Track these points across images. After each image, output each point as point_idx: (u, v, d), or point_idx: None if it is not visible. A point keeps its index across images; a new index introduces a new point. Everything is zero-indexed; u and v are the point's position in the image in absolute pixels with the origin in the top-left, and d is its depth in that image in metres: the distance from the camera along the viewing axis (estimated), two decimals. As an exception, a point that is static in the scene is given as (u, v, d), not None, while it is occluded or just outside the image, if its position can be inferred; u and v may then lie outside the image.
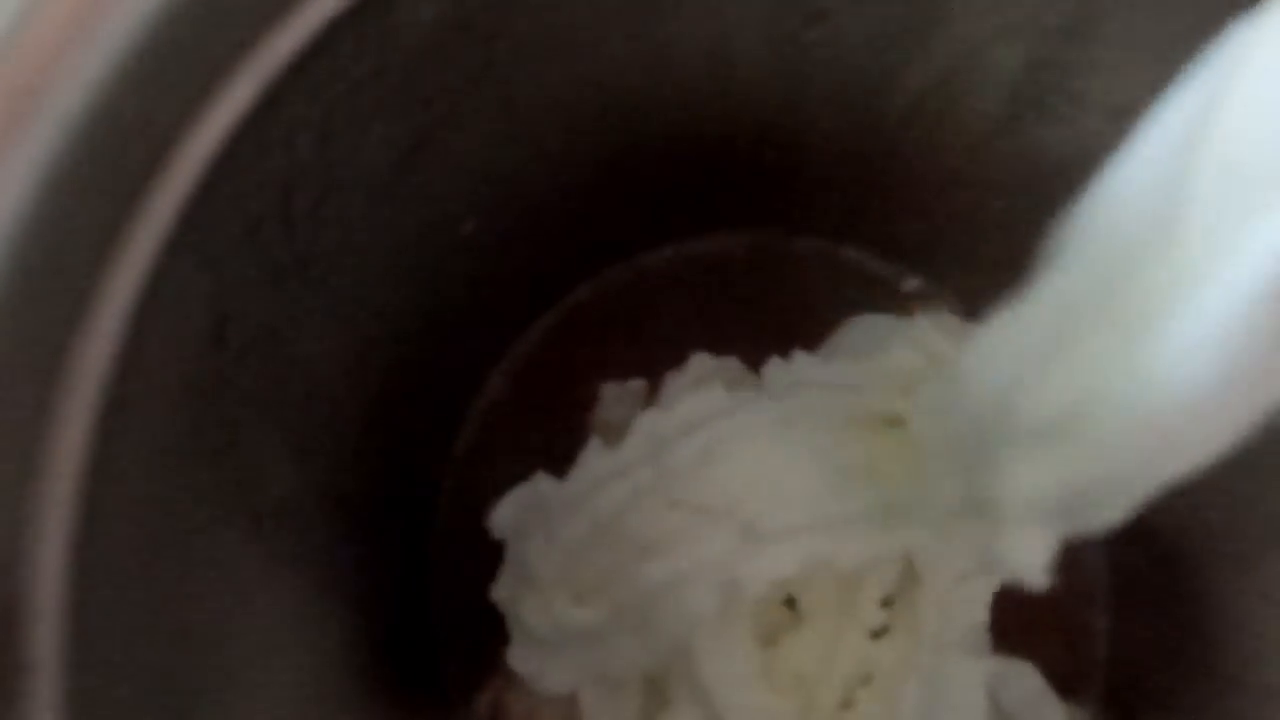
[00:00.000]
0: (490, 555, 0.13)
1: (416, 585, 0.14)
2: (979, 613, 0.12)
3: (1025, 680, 0.13)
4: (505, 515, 0.12)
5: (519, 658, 0.12)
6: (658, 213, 0.14)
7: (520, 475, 0.13)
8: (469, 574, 0.13)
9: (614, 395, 0.14)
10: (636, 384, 0.14)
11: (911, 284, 0.15)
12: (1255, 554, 0.12)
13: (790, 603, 0.13)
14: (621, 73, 0.11)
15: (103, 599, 0.07)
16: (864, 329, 0.13)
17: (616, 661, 0.11)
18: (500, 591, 0.13)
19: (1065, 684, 0.13)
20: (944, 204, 0.13)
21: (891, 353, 0.12)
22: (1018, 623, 0.13)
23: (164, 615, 0.08)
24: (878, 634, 0.13)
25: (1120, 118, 0.09)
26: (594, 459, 0.12)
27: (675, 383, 0.13)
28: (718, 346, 0.14)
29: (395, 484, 0.13)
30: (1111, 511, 0.09)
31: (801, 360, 0.13)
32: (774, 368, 0.13)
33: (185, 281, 0.07)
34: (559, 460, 0.13)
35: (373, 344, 0.11)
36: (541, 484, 0.12)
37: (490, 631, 0.13)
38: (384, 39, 0.08)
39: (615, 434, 0.13)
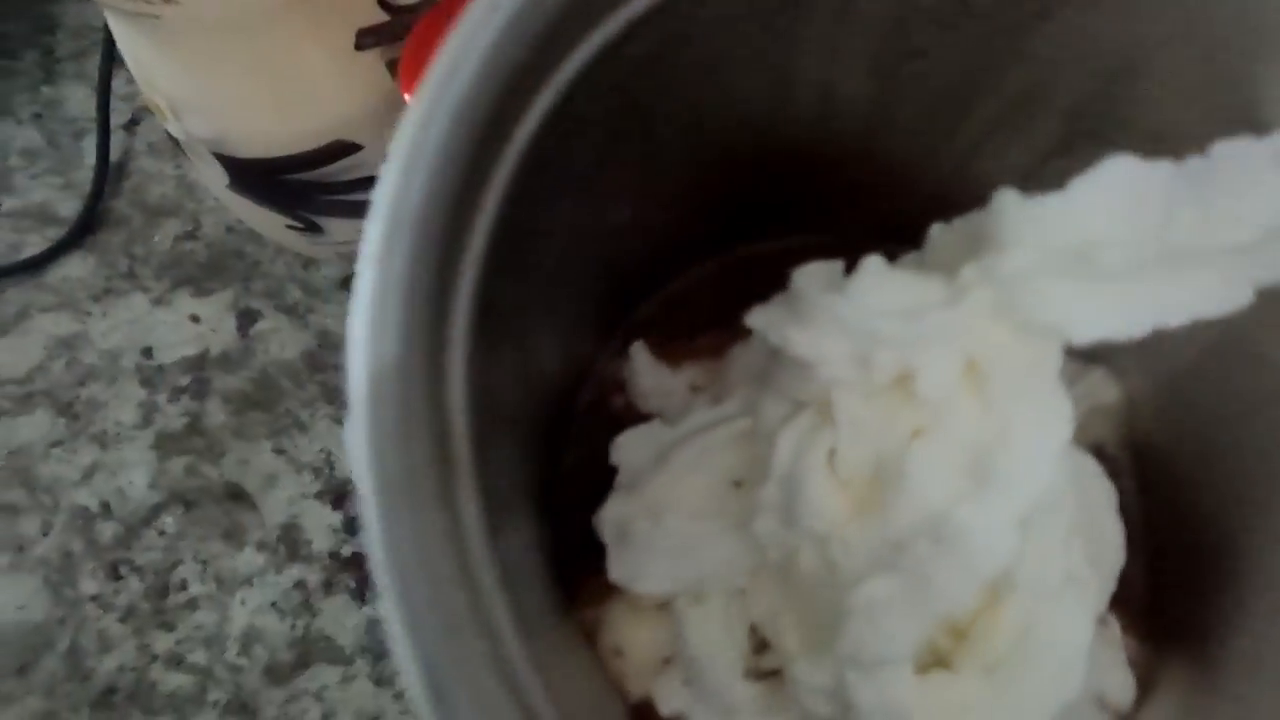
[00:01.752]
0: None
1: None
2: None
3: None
4: (626, 444, 0.15)
5: (619, 565, 0.15)
6: (761, 212, 0.17)
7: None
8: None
9: (739, 353, 0.17)
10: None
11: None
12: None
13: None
14: (748, 100, 0.14)
15: (482, 418, 0.10)
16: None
17: (715, 561, 0.14)
18: (609, 513, 0.15)
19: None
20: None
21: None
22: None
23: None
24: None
25: (1159, 141, 0.13)
26: (702, 411, 0.15)
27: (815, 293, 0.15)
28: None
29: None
30: None
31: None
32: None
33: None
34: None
35: (566, 296, 0.14)
36: (656, 427, 0.15)
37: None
38: (588, 86, 0.11)
39: (720, 391, 0.16)
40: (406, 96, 0.22)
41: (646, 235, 0.15)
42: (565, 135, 0.11)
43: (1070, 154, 0.14)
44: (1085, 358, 0.16)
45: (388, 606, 0.08)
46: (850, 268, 0.15)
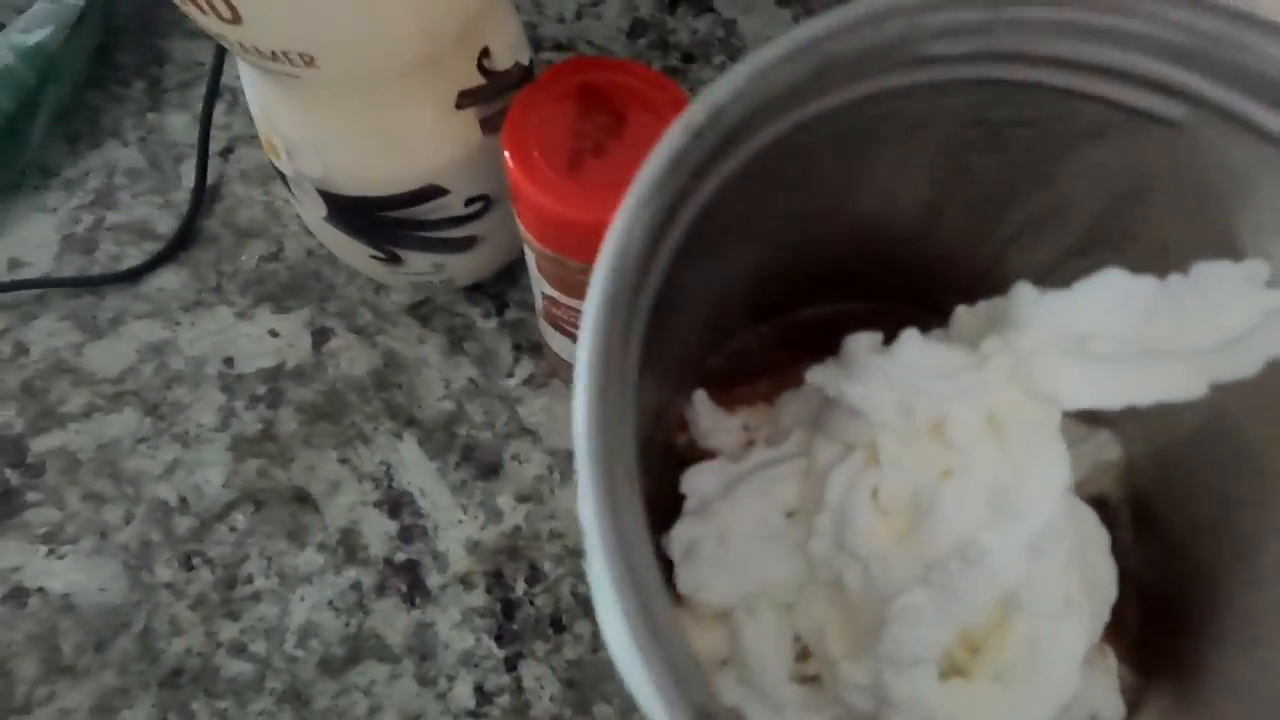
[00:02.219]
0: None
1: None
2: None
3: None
4: (695, 476, 0.18)
5: (687, 578, 0.18)
6: (819, 282, 0.20)
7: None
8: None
9: (788, 400, 0.20)
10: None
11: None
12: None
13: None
14: (829, 197, 0.17)
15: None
16: None
17: (770, 577, 0.17)
18: (679, 534, 0.18)
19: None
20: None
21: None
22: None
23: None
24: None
25: (1162, 254, 0.16)
26: (762, 450, 0.18)
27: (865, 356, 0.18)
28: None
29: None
30: None
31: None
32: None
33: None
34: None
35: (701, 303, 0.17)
36: (722, 463, 0.18)
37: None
38: (734, 183, 0.14)
39: (773, 433, 0.19)
40: (506, 153, 0.25)
41: (736, 299, 0.19)
42: (702, 227, 0.14)
43: (1086, 256, 0.18)
44: (1093, 421, 0.19)
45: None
46: (884, 332, 0.18)
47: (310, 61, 0.24)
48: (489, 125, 0.30)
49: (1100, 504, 0.19)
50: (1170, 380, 0.15)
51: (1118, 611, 0.19)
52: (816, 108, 0.14)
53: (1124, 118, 0.15)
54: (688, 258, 0.13)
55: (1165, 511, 0.19)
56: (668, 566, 0.18)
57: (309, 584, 0.35)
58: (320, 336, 0.39)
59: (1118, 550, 0.19)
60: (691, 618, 0.18)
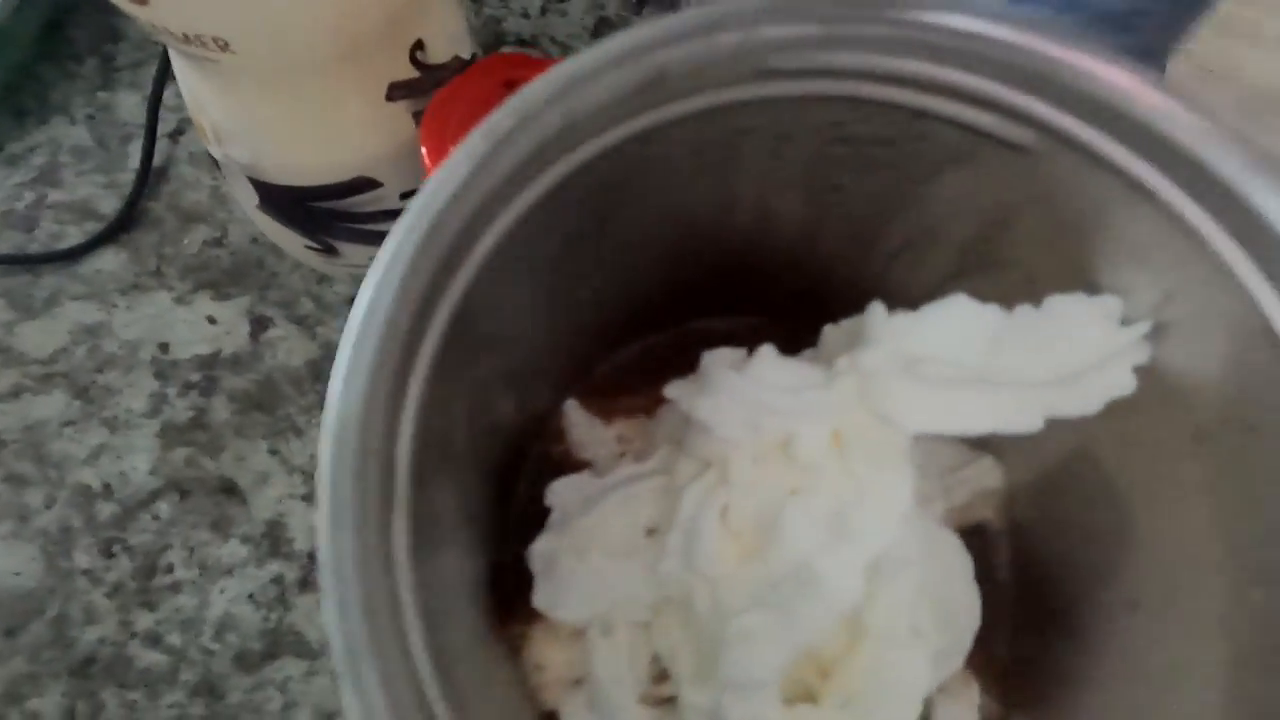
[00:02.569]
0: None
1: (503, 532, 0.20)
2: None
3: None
4: (560, 490, 0.18)
5: (543, 593, 0.18)
6: (702, 300, 0.20)
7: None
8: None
9: (665, 414, 0.20)
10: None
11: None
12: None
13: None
14: (699, 212, 0.17)
15: (428, 459, 0.13)
16: None
17: (625, 594, 0.17)
18: (539, 548, 0.18)
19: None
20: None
21: None
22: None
23: (440, 485, 0.14)
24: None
25: (1033, 281, 0.16)
26: (627, 466, 0.18)
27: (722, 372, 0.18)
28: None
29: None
30: None
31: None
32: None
33: (450, 321, 0.13)
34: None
35: (526, 356, 0.17)
36: (586, 477, 0.18)
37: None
38: (561, 194, 0.14)
39: (646, 448, 0.19)
40: (424, 150, 0.25)
41: (605, 310, 0.18)
42: (528, 238, 0.14)
43: (962, 280, 0.17)
44: (978, 446, 0.19)
45: (325, 598, 0.11)
46: (781, 345, 0.18)
47: (225, 46, 0.24)
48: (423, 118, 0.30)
49: (980, 531, 0.19)
50: (1005, 412, 0.15)
51: (987, 641, 0.19)
52: (655, 118, 0.14)
53: (981, 143, 0.15)
54: (506, 271, 0.13)
55: (1040, 542, 0.19)
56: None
57: (230, 576, 0.35)
58: (259, 325, 0.39)
59: (994, 579, 0.19)
60: (549, 634, 0.18)
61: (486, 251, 0.13)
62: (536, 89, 0.12)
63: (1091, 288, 0.15)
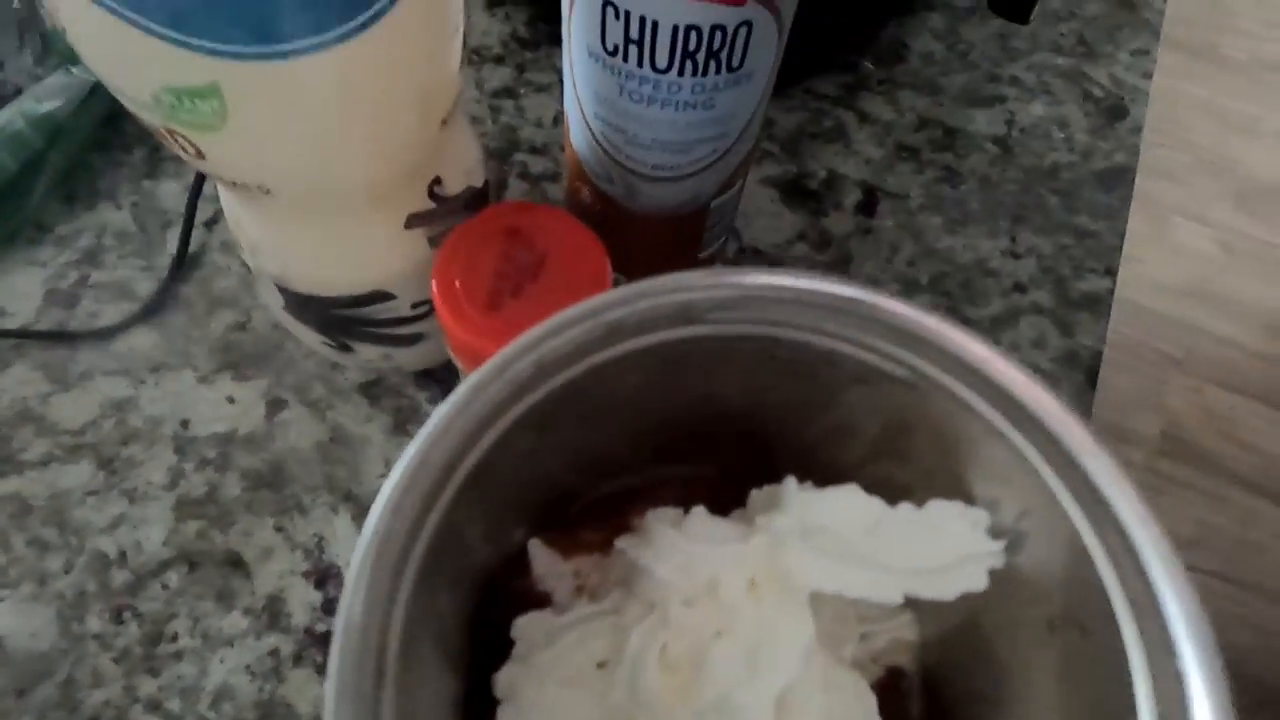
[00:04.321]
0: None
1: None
2: None
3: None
4: (524, 626, 0.22)
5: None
6: (662, 455, 0.24)
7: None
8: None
9: (595, 564, 0.23)
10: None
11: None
12: None
13: None
14: (656, 399, 0.21)
15: (411, 644, 0.16)
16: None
17: (580, 718, 0.20)
18: (503, 676, 0.22)
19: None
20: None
21: None
22: None
23: (422, 645, 0.17)
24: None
25: (930, 475, 0.19)
26: (583, 606, 0.22)
27: (662, 530, 0.22)
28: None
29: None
30: None
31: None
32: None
33: (439, 527, 0.17)
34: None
35: (502, 516, 0.21)
36: (548, 614, 0.22)
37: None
38: (532, 414, 0.18)
39: (600, 584, 0.22)
40: (433, 283, 0.30)
41: (574, 474, 0.22)
42: (505, 447, 0.18)
43: (878, 463, 0.21)
44: (907, 603, 0.23)
45: None
46: (733, 491, 0.22)
47: (266, 191, 0.28)
48: (437, 241, 0.34)
49: (896, 674, 0.23)
50: (872, 585, 0.19)
51: (898, 775, 0.22)
52: (613, 353, 0.18)
53: (877, 373, 0.19)
54: (486, 479, 0.17)
55: (946, 686, 0.22)
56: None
57: (230, 647, 0.38)
58: (274, 407, 0.43)
59: (906, 716, 0.22)
60: None
61: (468, 470, 0.17)
62: (513, 349, 0.17)
63: (971, 490, 0.19)
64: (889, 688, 0.22)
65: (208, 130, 0.25)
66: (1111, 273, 0.51)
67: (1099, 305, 0.49)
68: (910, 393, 0.19)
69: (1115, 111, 0.55)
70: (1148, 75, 0.58)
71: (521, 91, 0.51)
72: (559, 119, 0.50)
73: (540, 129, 0.50)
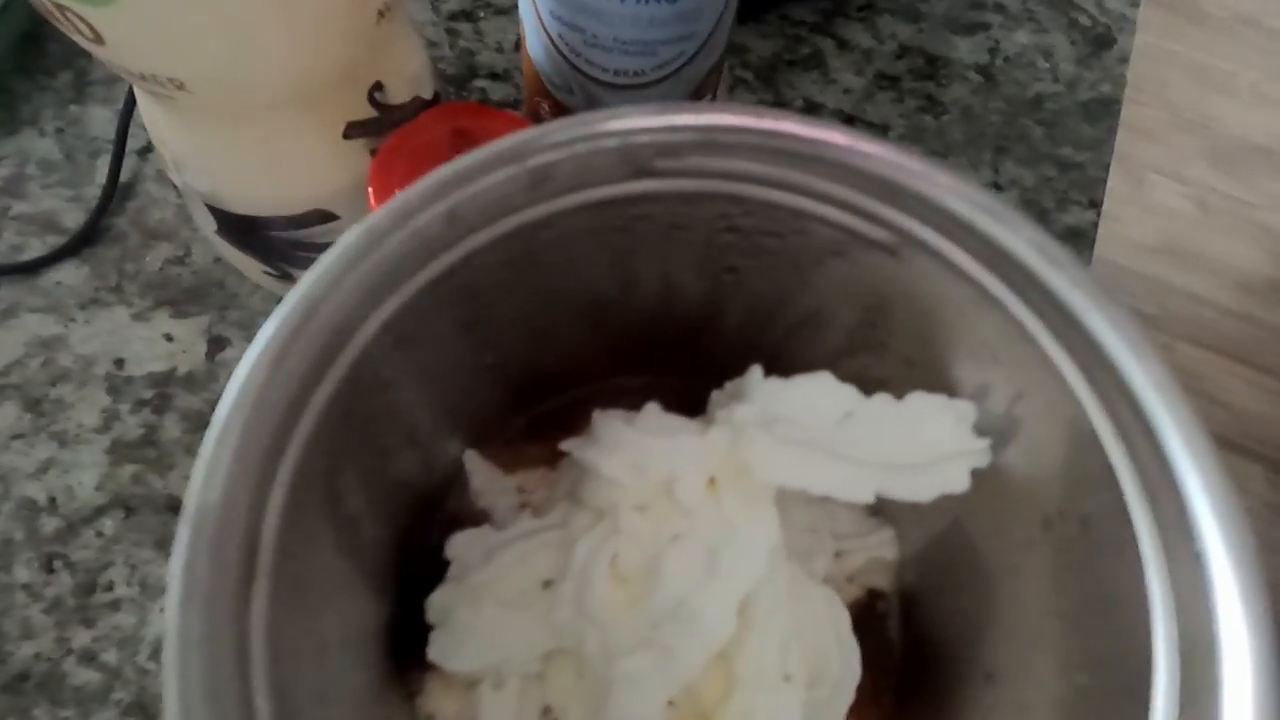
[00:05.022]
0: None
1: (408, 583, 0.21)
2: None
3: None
4: (459, 543, 0.20)
5: (437, 645, 0.19)
6: (616, 360, 0.21)
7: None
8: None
9: (541, 479, 0.21)
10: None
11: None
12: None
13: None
14: (604, 286, 0.18)
15: (296, 535, 0.14)
16: None
17: (518, 645, 0.18)
18: (436, 599, 0.20)
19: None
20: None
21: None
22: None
23: (319, 549, 0.15)
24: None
25: (910, 364, 0.17)
26: (526, 520, 0.19)
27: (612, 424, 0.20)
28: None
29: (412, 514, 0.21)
30: None
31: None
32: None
33: (333, 400, 0.15)
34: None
35: (431, 417, 0.18)
36: (486, 531, 0.20)
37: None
38: (452, 280, 0.15)
39: (545, 500, 0.20)
40: (370, 191, 0.27)
41: (513, 376, 0.20)
42: (420, 319, 0.15)
43: (852, 357, 0.19)
44: (886, 518, 0.21)
45: (166, 675, 0.11)
46: (689, 403, 0.19)
47: (180, 86, 0.25)
48: (380, 156, 0.31)
49: (874, 595, 0.21)
50: (843, 481, 0.17)
51: (878, 703, 0.20)
52: (547, 209, 0.15)
53: (853, 241, 0.17)
54: (396, 350, 0.15)
55: (924, 613, 0.20)
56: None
57: (170, 596, 0.35)
58: (216, 345, 0.40)
59: (886, 645, 0.20)
60: (443, 685, 0.20)
61: (370, 335, 0.14)
62: (416, 191, 0.14)
63: (957, 377, 0.17)
64: (866, 608, 0.20)
65: (101, 3, 0.22)
66: (1095, 205, 0.49)
67: (1082, 239, 0.47)
68: (891, 261, 0.17)
69: (1101, 41, 0.53)
70: (1135, 4, 0.56)
71: (480, 14, 0.48)
72: (520, 44, 0.47)
73: (500, 54, 0.46)
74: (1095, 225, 0.50)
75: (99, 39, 0.23)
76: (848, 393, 0.18)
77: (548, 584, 0.19)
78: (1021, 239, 0.15)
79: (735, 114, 0.15)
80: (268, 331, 0.13)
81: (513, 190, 0.15)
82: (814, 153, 0.15)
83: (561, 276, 0.18)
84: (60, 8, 0.23)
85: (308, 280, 0.13)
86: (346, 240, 0.14)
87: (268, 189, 0.31)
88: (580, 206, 0.16)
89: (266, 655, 0.12)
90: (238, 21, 0.23)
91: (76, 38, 0.24)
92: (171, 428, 0.38)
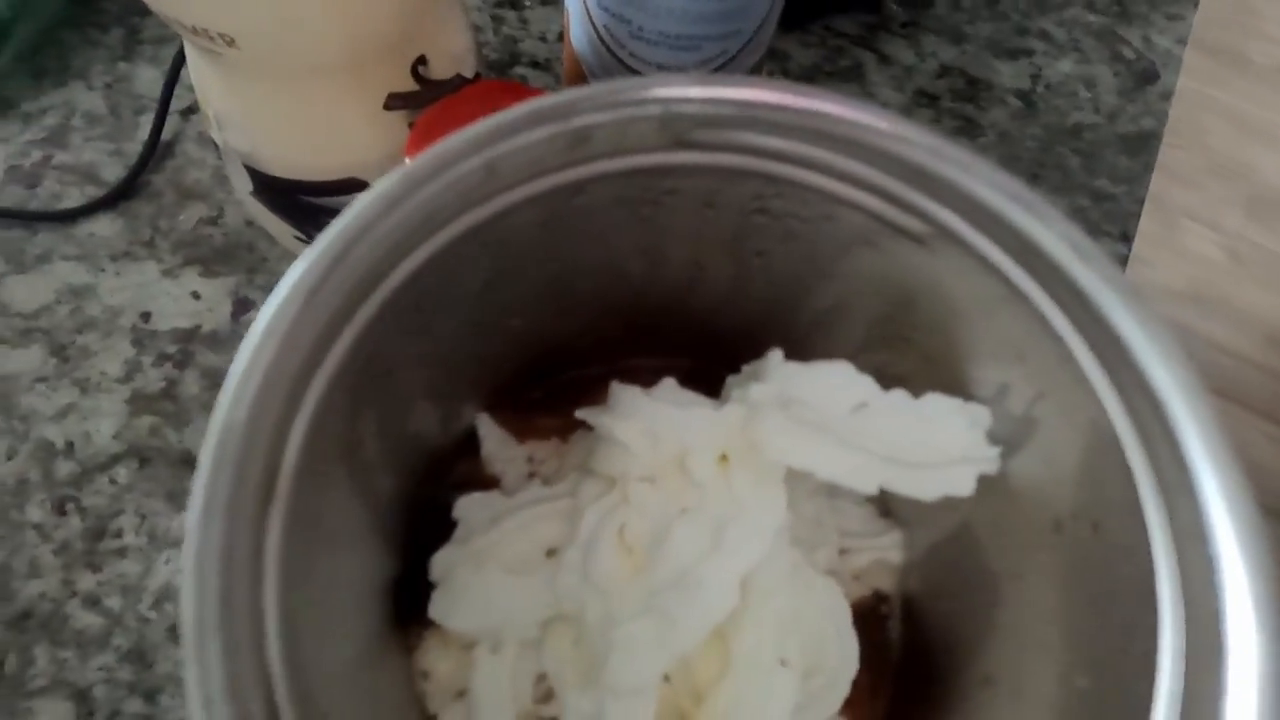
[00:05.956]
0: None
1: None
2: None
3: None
4: (467, 505, 0.20)
5: (437, 603, 0.19)
6: (636, 340, 0.21)
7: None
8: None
9: (577, 440, 0.21)
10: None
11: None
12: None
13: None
14: (630, 260, 0.19)
15: (314, 468, 0.14)
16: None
17: (518, 610, 0.18)
18: (440, 558, 0.20)
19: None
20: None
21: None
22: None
23: (335, 487, 0.15)
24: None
25: (930, 361, 0.17)
26: (535, 488, 0.20)
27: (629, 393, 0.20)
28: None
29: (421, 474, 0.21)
30: None
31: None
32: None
33: (361, 340, 0.15)
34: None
35: (451, 374, 0.19)
36: (494, 495, 0.20)
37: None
38: (483, 235, 0.15)
39: (554, 471, 0.20)
40: (407, 159, 0.27)
41: (535, 342, 0.20)
42: (449, 273, 0.15)
43: (872, 352, 0.19)
44: (896, 520, 0.21)
45: (183, 581, 0.12)
46: (715, 388, 0.19)
47: (231, 42, 0.26)
48: (419, 129, 0.32)
49: (877, 596, 0.21)
50: (850, 469, 0.17)
51: (874, 701, 0.20)
52: (582, 173, 0.15)
53: (882, 229, 0.17)
54: (425, 300, 0.15)
55: (926, 615, 0.20)
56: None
57: (176, 548, 0.36)
58: (241, 306, 0.41)
59: (885, 637, 0.20)
60: (441, 643, 0.20)
61: (400, 281, 0.14)
62: (458, 139, 0.14)
63: (977, 376, 0.17)
64: (869, 608, 0.20)
65: (161, -47, 0.22)
66: (1127, 238, 0.49)
67: (1113, 270, 0.47)
68: (920, 252, 0.17)
69: (1146, 75, 0.53)
70: (1181, 41, 0.55)
71: (526, 3, 0.48)
72: (563, 35, 0.47)
73: (543, 43, 0.47)
74: (1125, 258, 0.49)
75: (159, -14, 0.24)
76: (865, 384, 0.18)
77: (551, 552, 0.19)
78: (1054, 233, 0.15)
79: (778, 90, 0.15)
80: (303, 264, 0.14)
81: (552, 149, 0.15)
82: (853, 136, 0.15)
83: (590, 245, 0.18)
84: (121, -45, 0.23)
85: (345, 218, 0.14)
86: (385, 183, 0.14)
87: (305, 153, 0.31)
88: (616, 173, 0.16)
89: (278, 576, 0.12)
90: (293, -19, 0.24)
91: (136, -16, 0.25)
92: (191, 384, 0.39)
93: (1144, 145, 0.50)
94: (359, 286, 0.14)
